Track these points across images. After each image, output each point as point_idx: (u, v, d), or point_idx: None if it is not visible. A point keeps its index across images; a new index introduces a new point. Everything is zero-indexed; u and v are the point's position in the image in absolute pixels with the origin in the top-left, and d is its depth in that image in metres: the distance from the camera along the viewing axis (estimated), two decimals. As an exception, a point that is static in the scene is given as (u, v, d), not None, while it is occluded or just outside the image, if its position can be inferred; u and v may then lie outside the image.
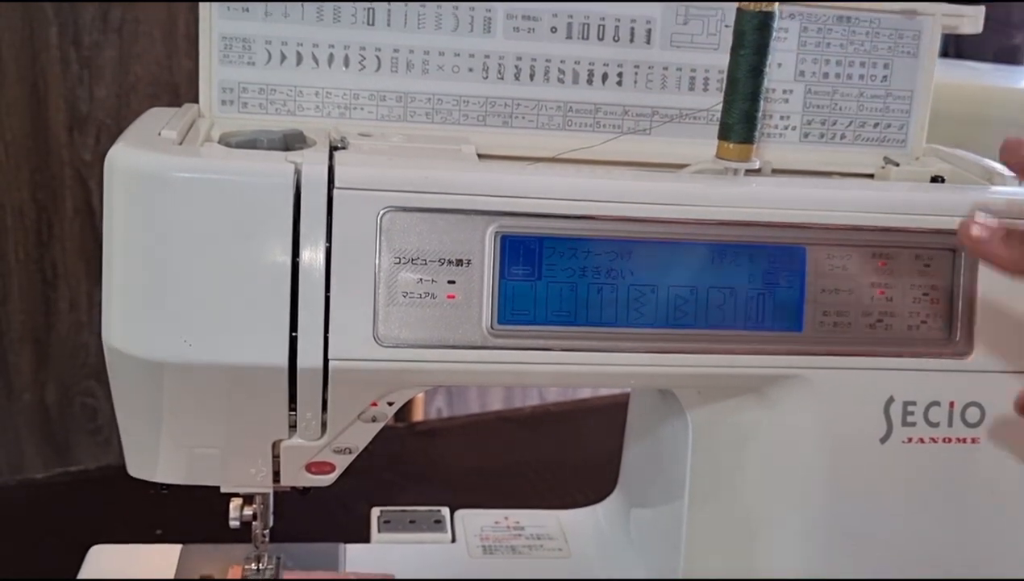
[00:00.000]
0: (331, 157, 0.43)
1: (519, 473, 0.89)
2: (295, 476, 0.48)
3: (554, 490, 0.85)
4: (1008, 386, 0.47)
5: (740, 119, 0.46)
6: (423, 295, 0.43)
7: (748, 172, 0.48)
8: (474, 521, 0.64)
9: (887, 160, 0.53)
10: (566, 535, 0.63)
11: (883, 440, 0.47)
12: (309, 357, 0.42)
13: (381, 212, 0.42)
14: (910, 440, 0.47)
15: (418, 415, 1.17)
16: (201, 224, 0.41)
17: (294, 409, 0.45)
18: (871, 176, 0.54)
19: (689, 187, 0.46)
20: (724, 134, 0.47)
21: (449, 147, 0.49)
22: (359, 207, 0.42)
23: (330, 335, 0.42)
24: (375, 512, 0.63)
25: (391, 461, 0.90)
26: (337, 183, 0.42)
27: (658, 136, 0.52)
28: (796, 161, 0.53)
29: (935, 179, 0.51)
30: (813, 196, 0.46)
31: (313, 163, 0.42)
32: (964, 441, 0.47)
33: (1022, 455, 0.48)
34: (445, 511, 0.64)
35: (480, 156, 0.50)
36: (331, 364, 0.42)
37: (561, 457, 0.92)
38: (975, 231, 0.41)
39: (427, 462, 0.92)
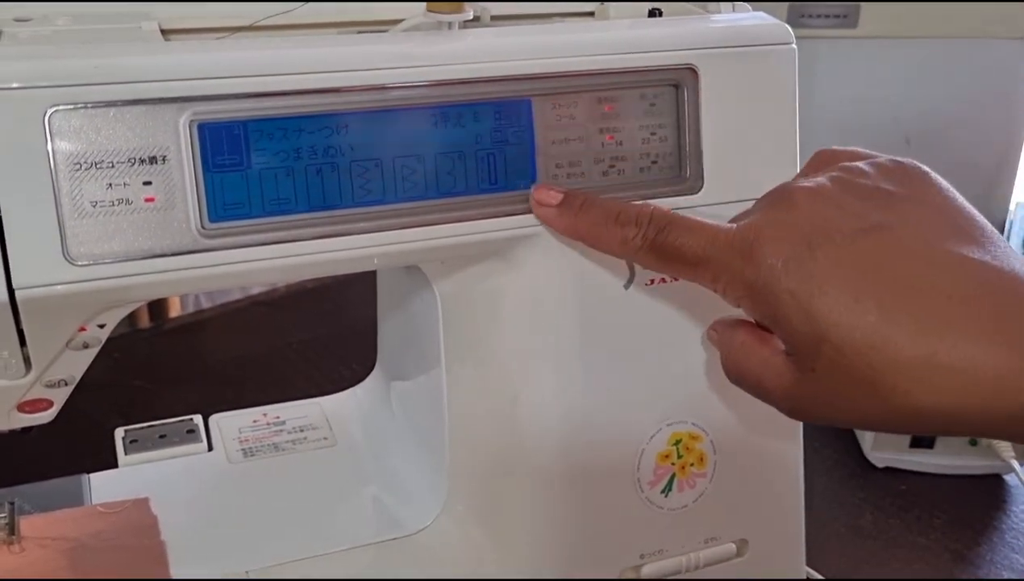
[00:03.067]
0: (-22, 52, 0.37)
1: (283, 359, 0.86)
2: (7, 419, 0.43)
3: (321, 370, 0.82)
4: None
5: (447, -34, 0.42)
6: (116, 202, 0.38)
7: (465, 24, 0.45)
8: (231, 424, 0.60)
9: (605, -5, 0.51)
10: (330, 423, 0.61)
11: (627, 286, 0.47)
12: (-11, 290, 0.37)
13: (48, 112, 0.36)
14: (652, 282, 0.47)
15: (175, 310, 1.11)
16: None
17: (-14, 349, 0.39)
18: (591, 14, 0.52)
19: (401, 47, 0.42)
20: (432, -15, 0.43)
21: (127, 26, 0.43)
22: (19, 109, 0.36)
23: (11, 261, 0.37)
24: (119, 432, 0.58)
25: (143, 367, 0.84)
26: (-13, 84, 0.36)
27: (366, -9, 0.48)
28: (515, 6, 0.50)
29: (653, 13, 0.50)
30: (531, 44, 0.44)
31: (-48, 63, 0.35)
32: (703, 275, 0.48)
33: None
34: (198, 419, 0.60)
35: (165, 32, 0.44)
36: (18, 294, 0.37)
37: (324, 335, 0.89)
38: (534, 207, 0.44)
39: (182, 363, 0.87)
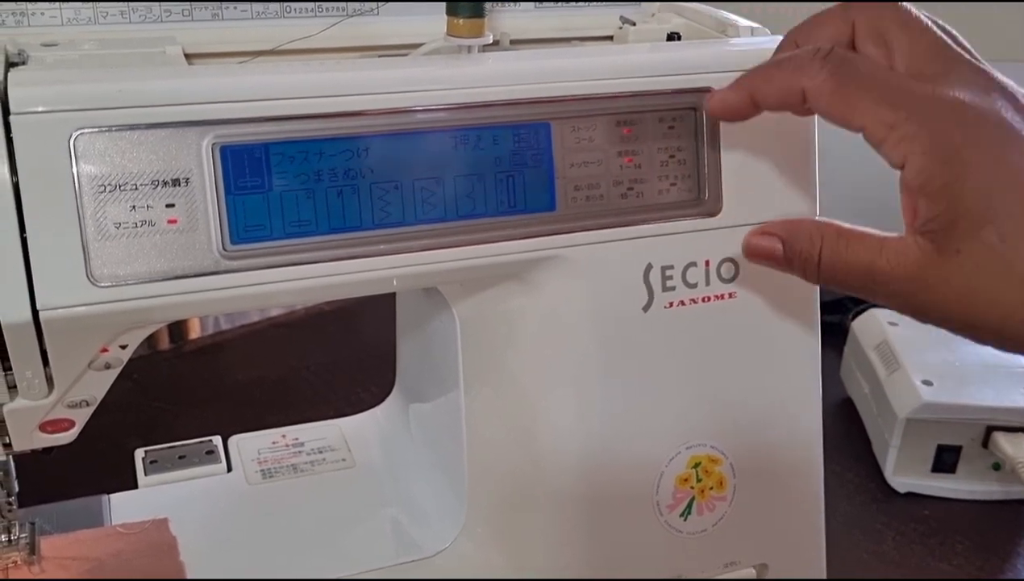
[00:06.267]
0: (5, 76, 0.37)
1: (302, 380, 0.86)
2: (29, 439, 0.43)
3: (339, 392, 0.82)
4: (758, 237, 0.47)
5: (467, -8, 0.43)
6: (139, 224, 0.38)
7: (484, 48, 0.46)
8: (250, 445, 0.60)
9: (624, 20, 0.52)
10: (348, 444, 0.61)
11: (646, 308, 0.47)
12: (14, 310, 0.37)
13: (73, 135, 0.37)
14: (671, 305, 0.47)
15: (195, 332, 1.11)
16: None
17: (9, 369, 0.39)
18: (610, 38, 0.52)
19: (421, 71, 0.42)
20: (452, 9, 0.44)
21: (151, 50, 0.44)
22: (45, 132, 0.37)
23: (35, 282, 0.37)
24: (139, 453, 0.58)
25: (163, 389, 0.85)
26: (13, 107, 0.36)
27: (387, 16, 0.49)
28: (534, 29, 0.51)
29: (671, 36, 0.51)
30: (550, 68, 0.44)
31: (-21, 87, 0.36)
32: (722, 298, 0.48)
33: (774, 300, 0.49)
34: (217, 440, 0.60)
35: (189, 56, 0.44)
36: (42, 315, 0.37)
37: (342, 357, 0.89)
38: (710, 105, 0.43)
39: (202, 384, 0.87)
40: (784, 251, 0.41)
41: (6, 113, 0.36)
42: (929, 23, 0.40)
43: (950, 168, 0.36)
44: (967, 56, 0.39)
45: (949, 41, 0.39)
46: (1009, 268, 0.35)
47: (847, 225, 0.40)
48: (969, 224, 0.36)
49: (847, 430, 0.76)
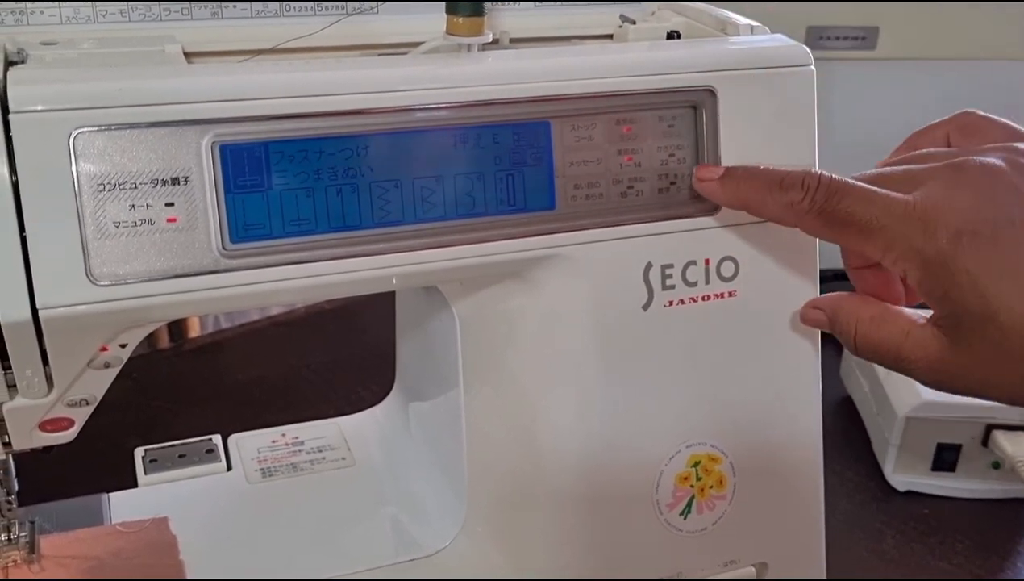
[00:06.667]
0: (5, 75, 0.37)
1: (302, 379, 0.86)
2: (28, 438, 0.43)
3: (339, 391, 0.82)
4: (756, 235, 0.47)
5: (466, -10, 0.43)
6: (139, 222, 0.38)
7: (484, 46, 0.46)
8: (249, 444, 0.60)
9: (623, 18, 0.52)
10: (348, 443, 0.61)
11: (645, 307, 0.47)
12: (13, 309, 0.37)
13: (72, 134, 0.37)
14: (671, 303, 0.47)
15: (195, 331, 1.11)
16: None
17: (9, 367, 0.39)
18: (610, 37, 0.52)
19: (420, 70, 0.42)
20: (452, 8, 0.44)
21: (150, 49, 0.44)
22: (44, 131, 0.37)
23: (34, 281, 0.37)
24: (139, 452, 0.58)
25: (162, 387, 0.85)
26: (12, 106, 0.36)
27: (386, 14, 0.48)
28: (534, 28, 0.51)
29: (671, 35, 0.50)
30: (550, 66, 0.44)
31: (-23, 86, 0.36)
32: (721, 296, 0.48)
33: (774, 299, 0.49)
34: (217, 439, 0.60)
35: (188, 55, 0.44)
36: (41, 314, 0.37)
37: (342, 355, 0.89)
38: (696, 184, 0.46)
39: (202, 383, 0.87)
40: (830, 324, 0.45)
41: (5, 112, 0.36)
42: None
43: (943, 278, 0.38)
44: (935, 165, 0.40)
45: (910, 167, 0.41)
46: (1016, 358, 0.37)
47: (882, 307, 0.42)
48: (973, 322, 0.37)
49: (847, 429, 0.76)
